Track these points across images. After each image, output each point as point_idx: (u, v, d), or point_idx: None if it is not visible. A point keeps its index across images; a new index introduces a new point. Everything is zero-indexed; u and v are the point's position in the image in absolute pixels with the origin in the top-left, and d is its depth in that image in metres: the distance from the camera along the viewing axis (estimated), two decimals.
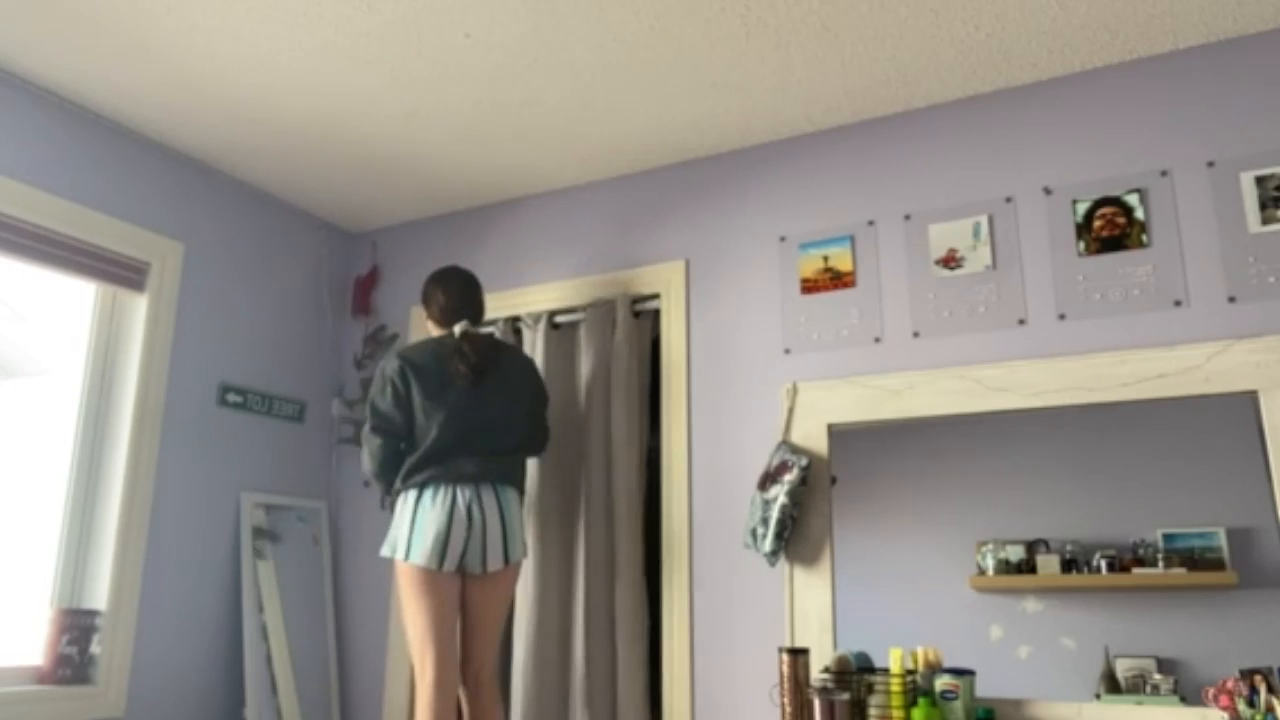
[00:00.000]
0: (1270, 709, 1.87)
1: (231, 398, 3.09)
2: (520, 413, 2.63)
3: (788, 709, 2.23)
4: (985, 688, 2.22)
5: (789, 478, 2.48)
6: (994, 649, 2.29)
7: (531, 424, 2.68)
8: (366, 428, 2.59)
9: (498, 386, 2.59)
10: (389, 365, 2.59)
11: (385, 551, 2.49)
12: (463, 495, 2.45)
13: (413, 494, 2.49)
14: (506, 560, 2.48)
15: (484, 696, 2.50)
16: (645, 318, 3.03)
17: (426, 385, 2.54)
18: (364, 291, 3.51)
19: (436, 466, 2.48)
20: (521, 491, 2.62)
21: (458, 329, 2.62)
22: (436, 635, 2.43)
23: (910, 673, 2.19)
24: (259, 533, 3.09)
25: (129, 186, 2.86)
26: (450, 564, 2.43)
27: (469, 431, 2.51)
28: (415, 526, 2.45)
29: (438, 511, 2.44)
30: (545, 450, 2.83)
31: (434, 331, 2.75)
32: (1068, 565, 2.26)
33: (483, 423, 2.53)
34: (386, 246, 3.57)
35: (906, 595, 2.42)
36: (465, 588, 2.51)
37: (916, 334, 2.56)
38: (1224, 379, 2.17)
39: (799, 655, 2.27)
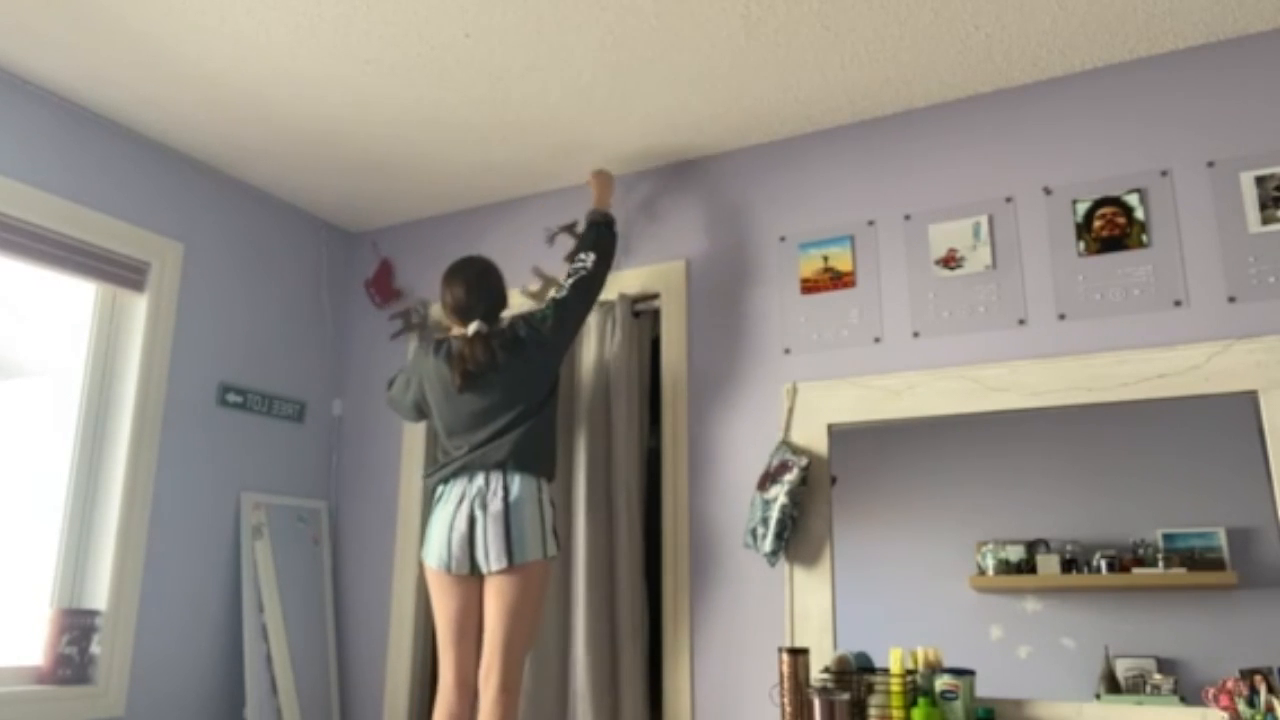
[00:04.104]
0: (1270, 709, 1.87)
1: (231, 398, 3.09)
2: (522, 387, 2.52)
3: (788, 709, 2.23)
4: (985, 688, 2.22)
5: (789, 478, 2.48)
6: (994, 649, 2.29)
7: (533, 387, 2.53)
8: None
9: (499, 377, 2.51)
10: (411, 366, 2.72)
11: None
12: (470, 492, 2.44)
13: (437, 491, 2.53)
14: (511, 561, 2.37)
15: (487, 701, 2.39)
16: (645, 318, 3.03)
17: (434, 390, 2.57)
18: (383, 284, 3.48)
19: (448, 460, 2.51)
20: (544, 475, 2.49)
21: (471, 329, 2.55)
22: (448, 636, 2.46)
23: (910, 673, 2.19)
24: (258, 532, 3.09)
25: (129, 186, 2.86)
26: (459, 566, 2.42)
27: (470, 417, 2.49)
28: (429, 527, 2.50)
29: (445, 511, 2.46)
30: (551, 398, 2.60)
31: (454, 327, 2.69)
32: (1068, 565, 2.27)
33: (485, 408, 2.49)
34: (386, 246, 3.57)
35: (906, 595, 2.42)
36: (484, 588, 2.47)
37: (916, 334, 2.56)
38: (1224, 379, 2.17)
39: (799, 655, 2.27)
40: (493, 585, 2.43)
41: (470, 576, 2.46)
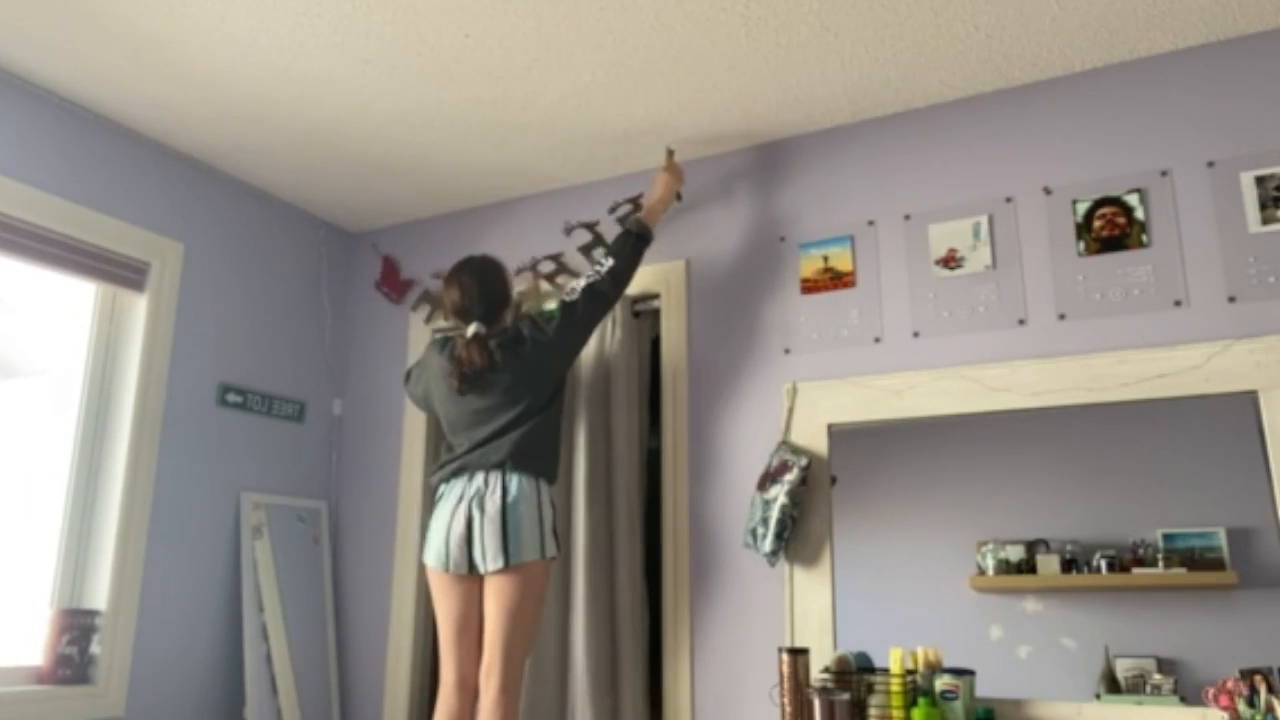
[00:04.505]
0: (1270, 709, 1.87)
1: (231, 398, 3.09)
2: (522, 386, 2.50)
3: (788, 709, 2.23)
4: (985, 688, 2.22)
5: (789, 478, 2.48)
6: (994, 649, 2.29)
7: (534, 387, 2.51)
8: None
9: (500, 377, 2.50)
10: (421, 361, 2.76)
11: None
12: (469, 492, 2.44)
13: (439, 490, 2.55)
14: (507, 561, 2.36)
15: (487, 701, 2.38)
16: (645, 318, 3.03)
17: (439, 388, 2.58)
18: (392, 280, 3.47)
19: (450, 459, 2.52)
20: (544, 476, 2.48)
21: (469, 331, 2.53)
22: (448, 636, 2.46)
23: (910, 673, 2.19)
24: (258, 532, 3.09)
25: (129, 186, 2.86)
26: (456, 565, 2.42)
27: (472, 415, 2.50)
28: (429, 526, 2.51)
29: (444, 511, 2.47)
30: (555, 401, 2.58)
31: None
32: (1068, 565, 2.27)
33: (486, 407, 2.49)
34: (386, 246, 3.57)
35: (906, 595, 2.42)
36: (483, 588, 2.46)
37: (916, 334, 2.56)
38: (1224, 379, 2.17)
39: (799, 655, 2.27)
40: (491, 585, 2.42)
41: (470, 576, 2.45)
